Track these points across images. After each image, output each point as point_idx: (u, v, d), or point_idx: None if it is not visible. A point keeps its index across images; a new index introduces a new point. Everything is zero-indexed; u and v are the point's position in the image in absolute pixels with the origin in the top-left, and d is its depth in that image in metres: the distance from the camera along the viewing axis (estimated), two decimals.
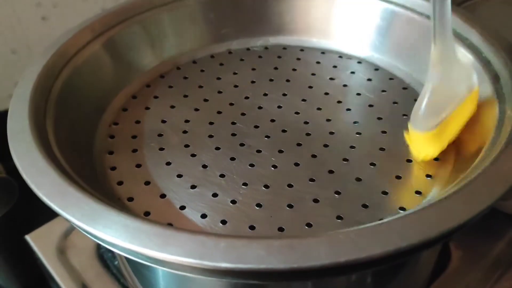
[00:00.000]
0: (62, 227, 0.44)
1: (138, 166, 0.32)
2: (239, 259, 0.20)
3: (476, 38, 0.34)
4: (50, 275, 0.41)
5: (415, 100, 0.37)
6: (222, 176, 0.31)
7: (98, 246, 0.42)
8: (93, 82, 0.36)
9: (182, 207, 0.29)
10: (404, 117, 0.35)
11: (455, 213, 0.22)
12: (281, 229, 0.28)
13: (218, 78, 0.40)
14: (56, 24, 0.54)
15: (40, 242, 0.43)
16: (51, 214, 0.36)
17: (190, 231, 0.22)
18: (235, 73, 0.41)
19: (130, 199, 0.30)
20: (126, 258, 0.28)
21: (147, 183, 0.31)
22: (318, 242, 0.21)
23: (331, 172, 0.31)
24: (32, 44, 0.54)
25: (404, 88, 0.38)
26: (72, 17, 0.55)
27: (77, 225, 0.23)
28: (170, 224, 0.28)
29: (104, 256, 0.41)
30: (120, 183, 0.31)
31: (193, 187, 0.31)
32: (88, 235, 0.23)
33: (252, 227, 0.28)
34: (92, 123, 0.35)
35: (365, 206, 0.29)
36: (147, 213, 0.29)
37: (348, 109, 0.36)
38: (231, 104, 0.38)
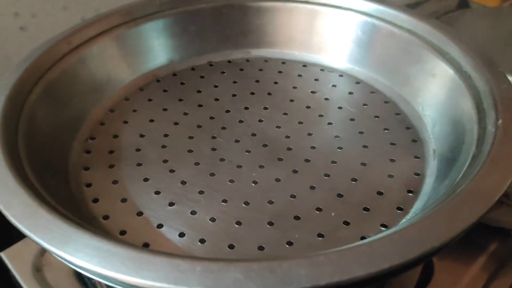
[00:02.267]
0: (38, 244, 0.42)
1: (115, 182, 0.31)
2: (216, 284, 0.19)
3: (456, 53, 0.34)
4: None
5: (397, 114, 0.37)
6: (201, 192, 0.31)
7: None
8: (69, 95, 0.35)
9: (160, 226, 0.29)
10: (386, 131, 0.35)
11: (438, 232, 0.22)
12: (261, 248, 0.27)
13: (199, 91, 0.40)
14: (35, 34, 0.53)
15: (15, 259, 0.41)
16: None
17: (165, 253, 0.21)
18: (216, 86, 0.40)
19: (106, 217, 0.29)
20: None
21: (124, 200, 0.30)
22: (298, 265, 0.20)
23: (312, 188, 0.31)
24: (11, 54, 0.53)
25: (386, 102, 0.38)
26: (51, 27, 0.54)
27: (47, 248, 0.22)
28: (146, 244, 0.27)
29: (82, 275, 0.40)
30: (95, 200, 0.30)
31: (171, 204, 0.30)
32: (59, 259, 0.22)
33: (231, 246, 0.27)
34: (67, 137, 0.34)
35: (346, 223, 0.29)
36: (123, 232, 0.28)
37: (330, 123, 0.36)
38: (212, 118, 0.37)
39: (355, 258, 0.21)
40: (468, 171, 0.26)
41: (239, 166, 0.32)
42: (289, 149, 0.34)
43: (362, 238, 0.28)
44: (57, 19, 0.54)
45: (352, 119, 0.36)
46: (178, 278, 0.19)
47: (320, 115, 0.37)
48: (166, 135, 0.35)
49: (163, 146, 0.34)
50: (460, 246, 0.41)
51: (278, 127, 0.36)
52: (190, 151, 0.34)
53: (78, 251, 0.21)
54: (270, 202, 0.30)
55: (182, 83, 0.40)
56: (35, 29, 0.53)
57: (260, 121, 0.36)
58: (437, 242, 0.21)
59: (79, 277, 0.40)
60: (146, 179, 0.32)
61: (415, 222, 0.22)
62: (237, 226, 0.29)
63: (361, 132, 0.35)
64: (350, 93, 0.39)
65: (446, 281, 0.39)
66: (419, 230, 0.22)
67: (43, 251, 0.42)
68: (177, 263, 0.20)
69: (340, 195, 0.30)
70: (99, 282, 0.37)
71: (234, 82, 0.41)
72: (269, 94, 0.39)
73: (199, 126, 0.36)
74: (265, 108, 0.38)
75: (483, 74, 0.32)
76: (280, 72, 0.41)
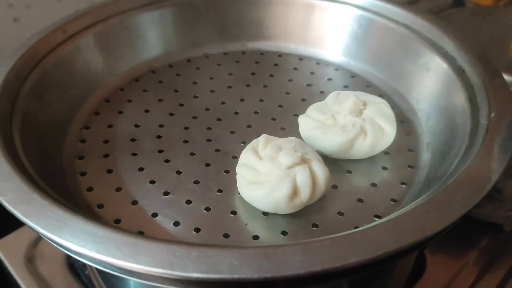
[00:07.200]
0: (30, 235, 0.42)
1: (110, 171, 0.31)
2: (211, 268, 0.19)
3: (451, 47, 0.35)
4: (18, 285, 0.39)
5: (391, 107, 0.37)
6: (196, 182, 0.31)
7: (68, 255, 0.41)
8: (64, 85, 0.35)
9: (155, 215, 0.29)
10: None
11: (430, 221, 0.22)
12: (256, 237, 0.27)
13: (194, 83, 0.40)
14: (28, 26, 0.53)
15: (7, 250, 0.41)
16: (19, 221, 0.35)
17: (161, 239, 0.21)
18: (211, 78, 0.40)
19: (100, 206, 0.29)
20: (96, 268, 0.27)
21: (119, 189, 0.30)
22: (293, 251, 0.20)
23: None
24: (4, 46, 0.52)
25: (380, 96, 0.38)
26: (45, 18, 0.53)
27: (42, 233, 0.21)
28: (141, 233, 0.27)
29: (75, 265, 0.40)
30: (90, 189, 0.30)
31: (166, 193, 0.30)
32: (54, 244, 0.22)
33: (226, 235, 0.27)
34: (62, 127, 0.34)
35: (340, 213, 0.29)
36: (117, 221, 0.28)
37: None
38: (207, 109, 0.37)
39: (349, 245, 0.21)
40: (460, 162, 0.27)
41: (234, 157, 0.32)
42: None
43: (356, 228, 0.28)
44: (51, 11, 0.54)
45: None
46: (174, 263, 0.20)
47: None
48: (161, 126, 0.35)
49: (158, 136, 0.34)
50: (452, 240, 0.41)
51: (273, 119, 0.36)
52: (185, 141, 0.34)
53: (74, 237, 0.21)
54: None
55: (177, 74, 0.40)
56: (28, 21, 0.53)
57: (256, 113, 0.36)
58: (430, 231, 0.22)
59: (72, 267, 0.40)
60: (141, 169, 0.32)
61: (409, 211, 0.23)
62: (232, 215, 0.29)
63: None
64: (346, 86, 0.39)
65: (438, 275, 0.39)
66: (412, 218, 0.22)
67: (36, 242, 0.42)
68: (173, 249, 0.20)
69: (334, 186, 0.30)
70: (93, 272, 0.37)
71: (230, 74, 0.41)
72: (265, 86, 0.39)
73: (194, 117, 0.36)
74: (261, 100, 0.38)
75: (477, 69, 0.32)
76: (276, 65, 0.42)
